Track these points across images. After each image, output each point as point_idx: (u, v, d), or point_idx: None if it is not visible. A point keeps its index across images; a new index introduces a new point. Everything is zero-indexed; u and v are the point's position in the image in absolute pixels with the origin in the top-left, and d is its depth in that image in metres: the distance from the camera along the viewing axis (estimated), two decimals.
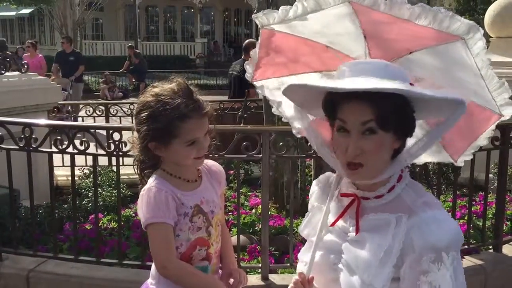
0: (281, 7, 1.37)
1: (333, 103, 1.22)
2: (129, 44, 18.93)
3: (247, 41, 7.03)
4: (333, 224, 1.32)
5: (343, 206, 1.31)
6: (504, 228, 3.73)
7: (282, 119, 1.57)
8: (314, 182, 1.50)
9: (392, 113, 1.16)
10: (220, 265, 1.86)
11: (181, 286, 1.67)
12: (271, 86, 1.52)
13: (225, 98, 9.14)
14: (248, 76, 1.56)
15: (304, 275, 1.34)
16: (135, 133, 1.69)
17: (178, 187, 1.67)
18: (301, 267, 1.39)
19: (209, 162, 1.84)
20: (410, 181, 1.27)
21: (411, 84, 1.18)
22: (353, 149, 1.18)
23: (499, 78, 1.22)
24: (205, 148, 1.67)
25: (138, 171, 1.74)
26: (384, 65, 1.20)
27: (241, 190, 4.51)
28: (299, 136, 1.60)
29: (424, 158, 1.44)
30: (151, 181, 1.66)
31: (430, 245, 1.13)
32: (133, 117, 1.70)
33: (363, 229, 1.23)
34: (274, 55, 1.46)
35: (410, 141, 1.26)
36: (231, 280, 1.79)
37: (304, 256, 1.39)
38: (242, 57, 6.90)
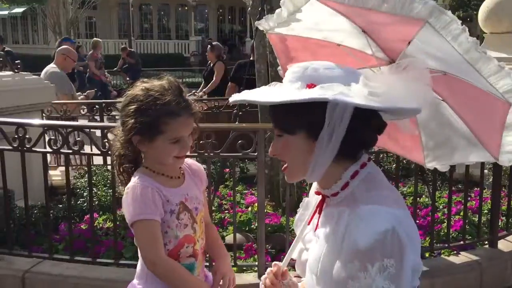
0: (276, 11, 1.37)
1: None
2: (122, 46, 18.82)
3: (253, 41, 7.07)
4: (309, 222, 1.37)
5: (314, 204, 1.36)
6: (500, 224, 3.75)
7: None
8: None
9: (286, 118, 1.21)
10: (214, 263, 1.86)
11: (169, 283, 1.67)
12: None
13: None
14: (268, 25, 1.51)
15: (279, 266, 1.38)
16: (119, 127, 1.69)
17: (162, 183, 1.67)
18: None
19: (188, 161, 1.85)
20: (368, 176, 1.22)
21: (309, 86, 1.16)
22: (270, 148, 1.30)
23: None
24: (188, 148, 1.68)
25: (117, 167, 1.74)
26: (304, 68, 1.21)
27: (237, 189, 4.51)
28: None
29: (470, 158, 1.40)
30: (135, 179, 1.66)
31: (351, 246, 1.10)
32: (119, 110, 1.70)
33: (320, 225, 1.27)
34: (297, 58, 1.46)
35: None
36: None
37: (290, 251, 1.44)
38: (251, 58, 6.95)
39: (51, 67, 6.16)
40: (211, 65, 7.95)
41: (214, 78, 7.65)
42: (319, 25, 1.36)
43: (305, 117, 1.17)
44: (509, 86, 1.13)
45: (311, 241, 1.32)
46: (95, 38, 13.69)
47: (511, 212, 3.86)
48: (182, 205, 1.69)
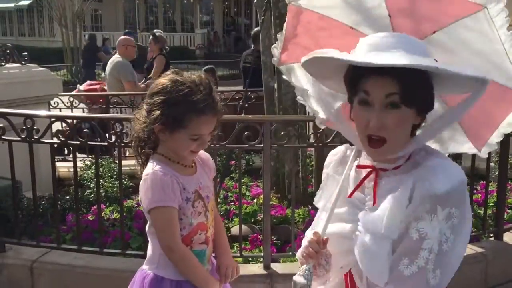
0: None
1: (356, 76, 1.20)
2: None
3: (255, 30, 6.99)
4: (350, 195, 1.31)
5: (360, 178, 1.31)
6: (505, 216, 3.74)
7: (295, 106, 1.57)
8: (331, 153, 1.49)
9: (416, 89, 1.14)
10: (214, 254, 1.88)
11: (181, 270, 1.69)
12: (299, 72, 1.50)
13: (224, 88, 9.14)
14: (274, 60, 1.52)
15: (319, 234, 1.33)
16: (142, 110, 1.69)
17: (178, 171, 1.69)
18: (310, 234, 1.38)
19: None
20: (427, 149, 1.26)
21: (435, 60, 1.17)
22: (375, 122, 1.16)
23: None
24: (205, 145, 1.70)
25: (136, 148, 1.75)
26: (408, 39, 1.19)
27: (242, 181, 4.52)
28: (322, 127, 1.60)
29: (450, 148, 1.42)
30: (154, 166, 1.67)
31: (429, 192, 1.12)
32: (146, 96, 1.69)
33: (379, 196, 1.23)
34: (302, 35, 1.42)
35: (428, 119, 1.26)
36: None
37: (317, 227, 1.38)
38: (252, 47, 6.86)
39: (116, 57, 6.63)
40: (154, 57, 7.54)
41: (152, 72, 7.22)
42: (340, 6, 1.33)
43: (429, 91, 1.17)
44: None
45: (356, 213, 1.28)
46: (156, 30, 13.54)
47: None
48: (196, 193, 1.72)
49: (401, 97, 1.14)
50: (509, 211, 3.87)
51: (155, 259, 1.75)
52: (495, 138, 1.36)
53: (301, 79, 1.50)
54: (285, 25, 1.43)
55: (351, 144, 1.42)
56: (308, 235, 1.39)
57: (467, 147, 1.40)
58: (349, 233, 1.28)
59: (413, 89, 1.14)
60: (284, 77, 1.58)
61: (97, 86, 8.61)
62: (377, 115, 1.16)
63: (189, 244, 1.71)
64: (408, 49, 1.14)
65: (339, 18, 1.35)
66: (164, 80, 1.64)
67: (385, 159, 1.25)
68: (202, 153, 1.88)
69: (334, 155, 1.47)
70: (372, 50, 1.18)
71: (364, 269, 1.21)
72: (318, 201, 1.46)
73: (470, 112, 1.23)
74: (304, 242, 1.39)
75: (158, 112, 1.60)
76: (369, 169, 1.28)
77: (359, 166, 1.32)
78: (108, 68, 6.64)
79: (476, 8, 1.14)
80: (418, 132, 1.25)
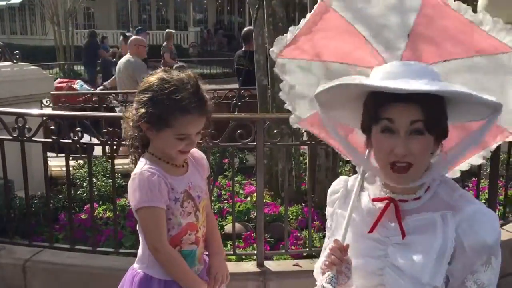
0: None
1: (377, 104, 1.20)
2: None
3: (246, 29, 6.97)
4: (371, 230, 1.29)
5: (376, 211, 1.29)
6: (497, 213, 3.77)
7: (285, 105, 1.56)
8: (331, 190, 1.49)
9: (439, 116, 1.18)
10: (207, 253, 1.87)
11: (168, 271, 1.69)
12: (294, 69, 1.50)
13: (217, 86, 9.13)
14: (274, 51, 1.49)
15: (340, 242, 1.33)
16: (132, 110, 1.69)
17: (167, 171, 1.68)
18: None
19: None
20: (443, 178, 1.28)
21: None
22: (401, 148, 1.17)
23: None
24: (194, 145, 1.69)
25: (129, 147, 1.76)
26: (425, 67, 1.21)
27: (236, 179, 4.53)
28: (295, 126, 1.61)
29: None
30: (142, 165, 1.67)
31: (481, 244, 1.15)
32: (136, 94, 1.70)
33: (409, 231, 1.23)
34: (316, 35, 1.41)
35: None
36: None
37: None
38: (244, 48, 6.83)
39: (128, 57, 6.72)
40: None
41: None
42: (365, 15, 1.32)
43: (446, 118, 1.20)
44: None
45: (381, 248, 1.28)
46: (168, 30, 13.43)
47: (508, 201, 3.90)
48: (186, 193, 1.71)
49: (425, 124, 1.16)
50: (501, 207, 3.90)
51: (145, 258, 1.75)
52: (464, 166, 1.46)
53: (293, 74, 1.50)
54: (306, 18, 1.40)
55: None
56: (328, 247, 1.39)
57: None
58: (376, 270, 1.27)
59: (436, 116, 1.18)
60: (275, 69, 1.54)
61: (64, 85, 8.62)
62: (403, 141, 1.17)
63: (178, 244, 1.71)
64: (432, 77, 1.18)
65: (360, 28, 1.34)
66: (152, 78, 1.63)
67: (403, 190, 1.25)
68: (196, 151, 1.87)
69: (334, 192, 1.46)
70: (391, 78, 1.18)
71: None
72: (330, 242, 1.43)
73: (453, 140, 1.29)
74: (324, 253, 1.40)
75: (143, 110, 1.60)
76: (386, 201, 1.28)
77: (375, 199, 1.31)
78: (120, 66, 6.72)
79: (505, 49, 1.18)
80: (433, 160, 1.26)
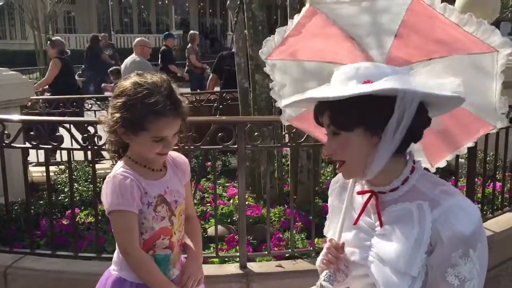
0: None
1: (317, 111, 1.32)
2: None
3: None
4: (355, 222, 1.36)
5: (363, 203, 1.35)
6: None
7: (276, 103, 1.60)
8: (333, 181, 1.53)
9: (346, 114, 1.21)
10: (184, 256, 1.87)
11: (138, 274, 1.70)
12: (283, 69, 1.56)
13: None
14: (263, 52, 1.54)
15: (335, 241, 1.39)
16: (108, 115, 1.69)
17: (143, 175, 1.69)
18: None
19: (173, 154, 1.85)
20: (424, 172, 1.31)
21: (367, 82, 1.20)
22: (326, 149, 1.30)
23: None
24: (171, 147, 1.69)
25: (109, 152, 1.77)
26: (356, 68, 1.25)
27: (219, 181, 4.54)
28: (286, 123, 1.65)
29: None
30: (117, 169, 1.68)
31: (457, 236, 1.16)
32: (111, 98, 1.70)
33: (387, 222, 1.27)
34: (304, 36, 1.46)
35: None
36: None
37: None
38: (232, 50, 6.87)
39: (133, 57, 6.87)
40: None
41: (46, 75, 7.21)
42: (354, 15, 1.36)
43: (365, 111, 1.20)
44: (499, 114, 1.31)
45: (367, 239, 1.32)
46: (192, 31, 13.33)
47: (485, 199, 3.98)
48: (160, 197, 1.71)
49: (334, 125, 1.26)
50: (479, 205, 3.97)
51: (119, 261, 1.75)
52: (449, 157, 1.50)
53: (283, 74, 1.55)
54: (294, 20, 1.45)
55: None
56: (325, 246, 1.44)
57: (422, 158, 1.48)
58: (361, 259, 1.31)
59: (341, 115, 1.23)
60: (266, 70, 1.59)
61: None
62: (327, 142, 1.30)
63: (151, 248, 1.71)
64: (351, 77, 1.22)
65: (346, 28, 1.38)
66: (126, 82, 1.64)
67: (378, 182, 1.29)
68: (179, 156, 1.88)
69: (335, 182, 1.51)
70: (334, 82, 1.27)
71: None
72: (327, 231, 1.50)
73: (435, 134, 1.33)
74: (323, 251, 1.44)
75: (117, 115, 1.60)
76: (368, 194, 1.33)
77: (359, 192, 1.36)
78: (127, 66, 6.82)
79: (489, 49, 1.22)
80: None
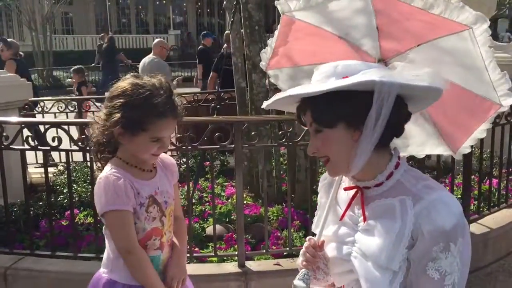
0: None
1: (299, 110, 1.33)
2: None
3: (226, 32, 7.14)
4: (341, 218, 1.37)
5: (348, 200, 1.37)
6: (472, 207, 3.87)
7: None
8: (321, 178, 1.54)
9: (326, 111, 1.22)
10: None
11: (135, 273, 1.69)
12: (285, 77, 1.60)
13: (197, 89, 9.18)
14: (262, 64, 1.60)
15: (314, 240, 1.41)
16: (101, 113, 1.69)
17: (134, 175, 1.70)
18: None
19: (162, 155, 1.86)
20: (408, 167, 1.32)
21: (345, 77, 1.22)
22: (309, 147, 1.31)
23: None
24: (166, 148, 1.72)
25: (95, 154, 1.75)
26: (334, 66, 1.26)
27: (217, 181, 4.56)
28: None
29: (427, 150, 1.51)
30: (108, 169, 1.68)
31: (438, 230, 1.17)
32: (106, 100, 1.70)
33: (370, 217, 1.28)
34: (292, 43, 1.50)
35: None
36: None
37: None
38: (224, 47, 7.04)
39: (151, 57, 7.20)
40: None
41: None
42: (331, 21, 1.40)
43: (345, 107, 1.21)
44: (505, 91, 1.29)
45: (351, 234, 1.33)
46: (227, 31, 13.50)
47: (482, 196, 4.00)
48: (151, 198, 1.71)
49: (315, 122, 1.26)
50: (475, 202, 4.00)
51: (109, 263, 1.76)
52: (470, 142, 1.47)
53: (287, 82, 1.58)
54: (276, 32, 1.51)
55: None
56: (304, 245, 1.46)
57: (442, 149, 1.50)
58: (345, 255, 1.33)
59: (322, 113, 1.24)
60: (271, 80, 1.65)
61: None
62: (311, 140, 1.31)
63: (144, 249, 1.71)
64: (329, 75, 1.24)
65: (329, 29, 1.43)
66: (124, 83, 1.65)
67: (362, 177, 1.30)
68: (167, 157, 1.89)
69: (323, 179, 1.52)
70: (313, 82, 1.29)
71: None
72: (315, 228, 1.50)
73: (447, 119, 1.33)
74: (302, 250, 1.45)
75: (118, 115, 1.60)
76: (354, 190, 1.35)
77: (346, 188, 1.38)
78: (146, 66, 7.03)
79: (461, 28, 1.21)
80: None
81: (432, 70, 1.24)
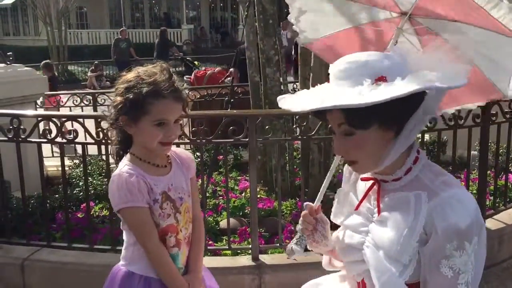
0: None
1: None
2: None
3: None
4: (356, 207, 1.38)
5: (365, 190, 1.37)
6: (487, 203, 3.84)
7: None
8: (345, 167, 1.52)
9: (363, 113, 1.15)
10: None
11: (156, 267, 1.71)
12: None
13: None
14: (301, 38, 1.68)
15: (311, 205, 1.45)
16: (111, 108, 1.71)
17: (147, 171, 1.69)
18: None
19: (177, 150, 1.85)
20: (427, 162, 1.31)
21: (380, 79, 1.18)
22: (336, 149, 1.28)
23: None
24: (174, 135, 1.68)
25: (116, 158, 1.77)
26: (363, 63, 1.20)
27: (231, 175, 4.58)
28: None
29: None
30: (121, 166, 1.69)
31: (452, 228, 1.16)
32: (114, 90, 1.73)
33: (384, 209, 1.28)
34: (328, 53, 1.60)
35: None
36: None
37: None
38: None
39: None
40: None
41: None
42: (334, 17, 1.44)
43: (382, 109, 1.15)
44: None
45: (365, 224, 1.33)
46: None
47: (498, 191, 3.96)
48: (164, 194, 1.71)
49: (349, 124, 1.21)
50: (491, 197, 3.96)
51: (127, 256, 1.77)
52: (457, 108, 1.59)
53: (304, 2, 1.64)
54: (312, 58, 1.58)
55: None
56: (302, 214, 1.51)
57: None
58: (358, 244, 1.33)
59: (358, 114, 1.17)
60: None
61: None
62: (337, 143, 1.27)
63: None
64: (359, 74, 1.18)
65: (342, 27, 1.46)
66: (127, 74, 1.69)
67: (382, 171, 1.30)
68: (183, 152, 1.89)
69: (346, 169, 1.51)
70: (332, 80, 1.25)
71: (376, 282, 1.26)
72: (334, 218, 1.49)
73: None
74: (301, 219, 1.51)
75: (119, 98, 1.63)
76: (371, 181, 1.34)
77: (363, 179, 1.38)
78: None
79: (508, 32, 1.24)
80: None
81: (457, 55, 1.22)
